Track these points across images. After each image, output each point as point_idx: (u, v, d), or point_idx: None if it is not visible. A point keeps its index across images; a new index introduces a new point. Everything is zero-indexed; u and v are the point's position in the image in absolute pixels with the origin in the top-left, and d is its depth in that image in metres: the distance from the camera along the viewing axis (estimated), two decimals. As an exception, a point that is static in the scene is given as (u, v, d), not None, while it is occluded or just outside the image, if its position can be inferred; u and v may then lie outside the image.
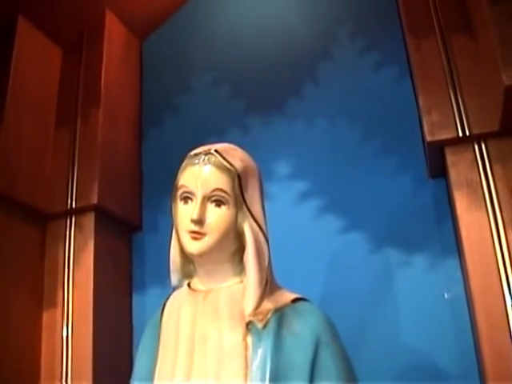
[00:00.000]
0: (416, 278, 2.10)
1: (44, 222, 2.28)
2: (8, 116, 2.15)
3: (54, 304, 2.17)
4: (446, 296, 2.04)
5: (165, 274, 1.60)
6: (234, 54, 2.60)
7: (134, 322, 2.33)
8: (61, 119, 2.35)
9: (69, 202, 2.22)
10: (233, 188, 1.45)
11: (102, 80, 2.38)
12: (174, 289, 1.57)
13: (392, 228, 2.16)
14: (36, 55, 2.37)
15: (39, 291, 2.20)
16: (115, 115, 2.42)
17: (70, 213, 2.25)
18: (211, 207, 1.44)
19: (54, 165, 2.29)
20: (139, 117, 2.62)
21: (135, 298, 2.38)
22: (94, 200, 2.20)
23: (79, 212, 2.24)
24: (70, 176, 2.26)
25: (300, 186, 2.31)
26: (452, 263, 2.07)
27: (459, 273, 2.05)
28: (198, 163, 1.47)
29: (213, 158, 1.47)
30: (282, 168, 2.35)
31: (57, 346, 2.13)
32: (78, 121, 2.33)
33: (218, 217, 1.43)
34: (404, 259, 2.12)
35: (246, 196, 1.48)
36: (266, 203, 1.57)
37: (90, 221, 2.23)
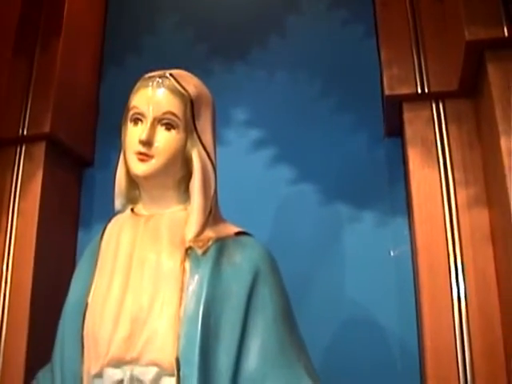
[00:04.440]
0: (363, 233, 2.10)
1: (-7, 148, 2.22)
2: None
3: (-4, 232, 2.13)
4: (391, 254, 2.05)
5: (113, 212, 1.58)
6: (201, -2, 2.57)
7: (78, 258, 2.29)
8: (19, 46, 2.27)
9: (20, 129, 2.17)
10: (184, 113, 1.44)
11: (65, 12, 2.31)
12: (117, 213, 1.55)
13: (343, 183, 2.16)
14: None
15: (-18, 218, 2.15)
16: (75, 49, 2.36)
17: (20, 140, 2.19)
18: (161, 130, 1.43)
19: (9, 91, 2.22)
20: (100, 54, 2.56)
21: (80, 235, 2.35)
22: (47, 129, 2.14)
23: (30, 140, 2.18)
24: (24, 103, 2.19)
25: (256, 134, 2.29)
26: (400, 222, 2.08)
27: (407, 232, 2.06)
28: (151, 85, 1.46)
29: (167, 82, 1.46)
30: (240, 115, 2.33)
31: (-5, 274, 2.10)
32: (37, 49, 2.26)
33: (166, 140, 1.42)
34: (353, 214, 2.13)
35: (197, 123, 1.46)
36: (220, 148, 1.58)
37: (40, 150, 2.17)
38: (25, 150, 2.19)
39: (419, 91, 1.92)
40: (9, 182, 2.17)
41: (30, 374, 1.74)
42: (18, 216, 2.13)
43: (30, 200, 2.13)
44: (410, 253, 2.02)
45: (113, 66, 2.56)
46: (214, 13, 2.51)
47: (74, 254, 2.31)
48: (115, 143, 2.10)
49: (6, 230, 2.12)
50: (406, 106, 1.95)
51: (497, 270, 1.70)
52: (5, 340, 2.01)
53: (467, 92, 1.88)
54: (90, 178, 2.42)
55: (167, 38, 2.53)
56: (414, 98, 1.93)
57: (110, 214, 1.58)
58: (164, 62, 2.22)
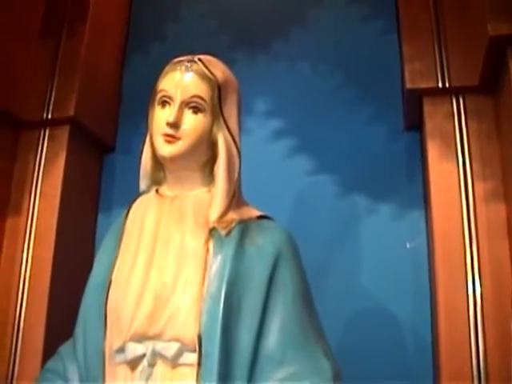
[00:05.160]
0: (380, 225, 2.13)
1: (18, 129, 2.24)
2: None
3: (18, 212, 2.15)
4: (407, 246, 2.07)
5: (133, 198, 1.60)
6: (226, -11, 2.60)
7: (97, 242, 2.33)
8: (46, 29, 2.29)
9: (45, 112, 2.20)
10: (212, 97, 1.47)
11: (91, -1, 2.36)
12: (141, 195, 1.58)
13: (361, 175, 2.18)
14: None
15: (5, 198, 2.18)
16: (101, 35, 2.39)
17: (45, 123, 2.22)
18: (188, 113, 1.45)
19: (34, 74, 2.24)
20: (124, 42, 2.60)
21: (100, 219, 2.38)
22: (71, 112, 2.17)
23: (54, 123, 2.21)
24: (49, 87, 2.22)
25: (276, 124, 2.32)
26: (417, 215, 2.10)
27: (423, 225, 2.08)
28: (179, 69, 1.49)
29: (195, 66, 1.49)
30: (261, 105, 2.36)
31: (17, 254, 2.12)
32: (64, 34, 2.29)
33: (193, 123, 1.45)
34: (370, 206, 2.15)
35: (223, 107, 1.49)
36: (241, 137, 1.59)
37: (64, 133, 2.20)
38: (48, 133, 2.23)
39: (440, 85, 1.94)
40: (32, 164, 2.21)
41: (48, 353, 1.77)
42: (40, 198, 2.16)
43: (53, 182, 2.17)
44: (425, 245, 2.04)
45: (136, 53, 2.59)
46: (238, 4, 2.55)
47: (94, 237, 2.35)
48: (137, 130, 2.14)
49: (28, 211, 2.16)
50: (426, 100, 1.98)
51: (512, 262, 1.72)
52: (24, 319, 2.05)
53: (488, 88, 1.89)
54: (111, 163, 2.45)
55: (191, 28, 2.55)
56: (435, 92, 1.96)
57: (129, 199, 1.60)
58: (187, 51, 2.25)
